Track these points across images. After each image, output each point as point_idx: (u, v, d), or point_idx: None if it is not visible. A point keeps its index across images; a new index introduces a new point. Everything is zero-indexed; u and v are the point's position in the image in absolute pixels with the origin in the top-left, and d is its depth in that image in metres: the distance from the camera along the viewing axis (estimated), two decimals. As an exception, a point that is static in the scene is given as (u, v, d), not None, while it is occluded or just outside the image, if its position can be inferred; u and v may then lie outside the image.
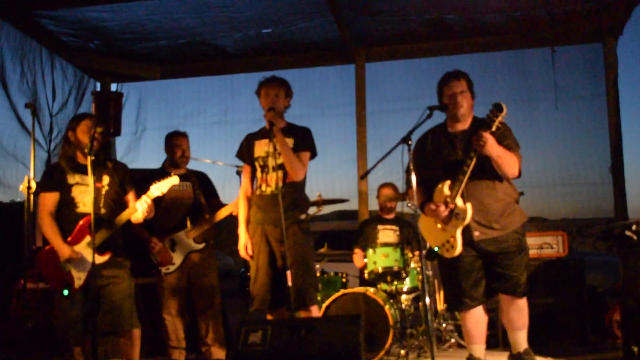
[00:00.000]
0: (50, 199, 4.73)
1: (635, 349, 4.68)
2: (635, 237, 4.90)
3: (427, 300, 4.83)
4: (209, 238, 5.70)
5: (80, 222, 4.66)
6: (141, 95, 8.98)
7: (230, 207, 5.47)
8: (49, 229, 4.69)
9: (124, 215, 4.77)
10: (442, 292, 6.39)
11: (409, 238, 6.74)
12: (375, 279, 6.11)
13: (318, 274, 6.24)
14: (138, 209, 4.73)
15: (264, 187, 4.83)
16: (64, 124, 7.86)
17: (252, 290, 4.84)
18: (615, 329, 6.08)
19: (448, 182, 4.50)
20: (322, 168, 8.14)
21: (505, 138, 4.49)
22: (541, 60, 7.87)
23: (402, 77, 8.40)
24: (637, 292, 4.70)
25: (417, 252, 6.23)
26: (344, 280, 6.58)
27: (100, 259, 4.59)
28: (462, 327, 4.87)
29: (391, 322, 5.59)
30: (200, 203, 5.72)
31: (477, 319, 4.65)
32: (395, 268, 5.97)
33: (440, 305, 6.51)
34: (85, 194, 4.69)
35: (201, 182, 5.80)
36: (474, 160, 4.35)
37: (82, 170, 4.71)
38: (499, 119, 4.28)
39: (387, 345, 5.57)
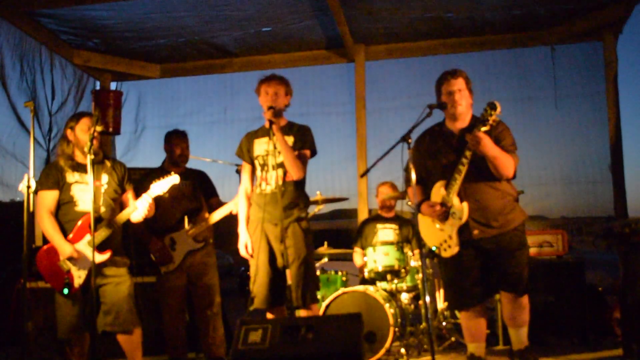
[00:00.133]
0: (49, 198, 4.72)
1: (635, 347, 4.68)
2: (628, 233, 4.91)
3: (427, 298, 4.82)
4: (209, 237, 5.70)
5: (80, 221, 4.66)
6: (140, 94, 9.01)
7: (230, 205, 5.47)
8: (48, 227, 4.69)
9: (124, 214, 4.77)
10: (442, 291, 6.40)
11: (409, 236, 6.74)
12: (376, 278, 6.11)
13: (318, 273, 6.24)
14: (138, 207, 4.74)
15: (263, 186, 4.82)
16: (63, 123, 7.80)
17: (252, 289, 4.84)
18: (615, 327, 6.08)
19: (444, 182, 4.50)
20: (322, 166, 8.15)
21: (503, 139, 4.49)
22: (541, 58, 7.88)
23: (402, 75, 8.42)
24: (637, 290, 4.70)
25: (417, 251, 6.23)
26: (344, 279, 6.58)
27: (100, 258, 4.59)
28: (462, 326, 4.87)
29: (391, 320, 5.59)
30: (199, 202, 5.72)
31: (477, 317, 4.65)
32: (396, 267, 5.97)
33: (441, 304, 6.51)
34: (84, 193, 4.68)
35: (201, 181, 5.80)
36: (470, 159, 4.35)
37: (81, 169, 4.71)
38: (493, 117, 4.28)
39: (388, 344, 5.57)
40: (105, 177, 4.83)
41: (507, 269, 4.47)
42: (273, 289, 4.72)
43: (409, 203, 6.04)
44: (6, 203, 6.99)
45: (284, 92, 4.89)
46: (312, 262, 4.95)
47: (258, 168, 4.89)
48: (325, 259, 6.72)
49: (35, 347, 5.58)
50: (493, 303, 6.06)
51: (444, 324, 6.23)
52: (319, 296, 5.55)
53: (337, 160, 8.48)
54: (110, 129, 7.98)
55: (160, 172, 5.55)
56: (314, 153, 4.93)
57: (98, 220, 4.66)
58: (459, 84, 4.58)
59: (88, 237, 4.61)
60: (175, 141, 5.70)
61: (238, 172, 5.78)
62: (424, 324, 5.92)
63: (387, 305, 5.67)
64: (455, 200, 4.46)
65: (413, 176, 4.37)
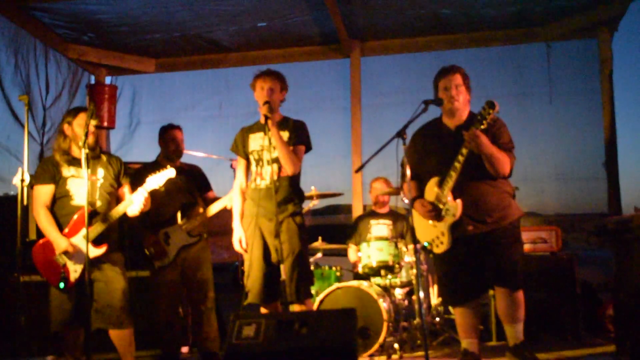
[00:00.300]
0: (45, 192, 4.72)
1: (628, 343, 4.69)
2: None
3: (421, 294, 4.83)
4: (203, 231, 5.70)
5: (76, 215, 4.65)
6: (135, 89, 8.98)
7: (224, 200, 5.47)
8: (44, 221, 4.68)
9: (120, 208, 4.77)
10: (435, 286, 6.41)
11: (403, 232, 6.75)
12: (369, 273, 6.11)
13: (312, 268, 6.23)
14: (134, 201, 4.73)
15: (258, 181, 4.82)
16: (58, 117, 7.85)
17: (246, 284, 4.84)
18: (607, 324, 6.10)
19: (439, 178, 4.51)
20: (317, 162, 8.14)
21: (500, 136, 4.49)
22: (536, 55, 7.89)
23: (397, 71, 8.41)
24: (630, 287, 4.70)
25: (411, 246, 6.23)
26: (338, 274, 6.59)
27: (96, 252, 4.60)
28: (456, 321, 4.88)
29: (385, 316, 5.60)
30: (194, 196, 5.71)
31: (471, 313, 4.66)
32: (390, 262, 5.97)
33: (434, 300, 6.51)
34: (80, 187, 4.67)
35: (195, 176, 5.79)
36: (465, 157, 4.35)
37: (77, 163, 4.71)
38: (491, 115, 4.28)
39: (381, 339, 5.57)
40: (101, 172, 4.83)
41: (500, 264, 4.47)
42: (267, 283, 4.73)
43: (403, 199, 6.05)
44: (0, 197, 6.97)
45: (279, 87, 4.89)
46: (306, 257, 4.95)
47: (253, 163, 4.89)
48: (320, 254, 6.72)
49: (28, 340, 5.57)
50: (486, 299, 6.07)
51: (437, 319, 6.23)
52: (313, 291, 5.56)
53: (332, 156, 8.50)
54: (105, 124, 7.97)
55: (154, 167, 5.54)
56: (309, 148, 4.94)
57: (94, 214, 4.66)
58: (456, 79, 4.59)
59: (84, 231, 4.60)
60: (170, 136, 5.69)
61: (232, 167, 5.78)
62: (417, 320, 5.92)
63: (380, 301, 5.68)
64: (449, 197, 4.47)
65: (407, 172, 4.37)
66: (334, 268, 6.54)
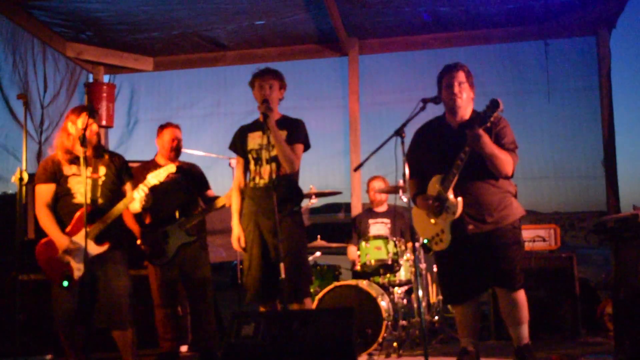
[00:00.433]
0: (46, 191, 4.73)
1: (627, 342, 4.69)
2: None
3: (420, 292, 4.83)
4: (202, 230, 5.69)
5: (78, 213, 4.65)
6: (134, 87, 8.95)
7: (223, 199, 5.47)
8: (46, 220, 4.69)
9: (121, 205, 4.76)
10: (434, 285, 6.41)
11: (403, 229, 6.75)
12: (368, 272, 6.11)
13: (311, 266, 6.24)
14: (135, 197, 4.73)
15: (257, 180, 4.82)
16: (55, 116, 7.84)
17: (245, 283, 4.84)
18: (606, 322, 6.10)
19: (441, 176, 4.50)
20: (315, 160, 8.13)
21: (503, 136, 4.48)
22: (534, 53, 7.88)
23: (396, 69, 8.40)
24: (629, 285, 4.71)
25: (409, 244, 6.22)
26: (337, 272, 6.59)
27: (98, 250, 4.61)
28: (455, 320, 4.88)
29: (384, 314, 5.60)
30: (192, 195, 5.71)
31: (470, 312, 4.65)
32: (389, 261, 5.97)
33: (433, 298, 6.52)
34: (82, 185, 4.67)
35: (193, 174, 5.79)
36: (468, 155, 4.35)
37: (79, 162, 4.70)
38: (495, 114, 4.27)
39: (380, 337, 5.58)
40: (103, 170, 4.83)
41: (499, 265, 4.46)
42: (266, 282, 4.72)
43: (402, 197, 6.04)
44: (-1, 196, 6.97)
45: (278, 85, 4.89)
46: (305, 255, 4.95)
47: (251, 162, 4.88)
48: (319, 253, 6.72)
49: (28, 339, 5.57)
50: (485, 297, 6.07)
51: (436, 318, 6.24)
52: (311, 290, 5.56)
53: (330, 154, 8.47)
54: (103, 122, 7.95)
55: (152, 166, 5.55)
56: (307, 147, 4.93)
57: (96, 212, 4.66)
58: (459, 77, 4.57)
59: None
60: (168, 134, 5.69)
61: (231, 165, 5.78)
62: (416, 318, 5.92)
63: (379, 299, 5.68)
64: (450, 195, 4.46)
65: (406, 170, 4.37)
66: (333, 266, 6.54)
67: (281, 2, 7.16)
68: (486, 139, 4.29)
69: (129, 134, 8.87)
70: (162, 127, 5.74)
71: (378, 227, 6.82)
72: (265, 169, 4.78)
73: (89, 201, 4.61)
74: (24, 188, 4.61)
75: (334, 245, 6.81)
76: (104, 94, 7.95)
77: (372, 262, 6.00)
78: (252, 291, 4.77)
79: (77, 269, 4.61)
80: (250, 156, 4.88)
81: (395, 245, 6.02)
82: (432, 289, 6.57)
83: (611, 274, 5.13)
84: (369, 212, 7.05)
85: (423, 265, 6.30)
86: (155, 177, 4.86)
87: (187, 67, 8.75)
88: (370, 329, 5.61)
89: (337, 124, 8.37)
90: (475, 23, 7.70)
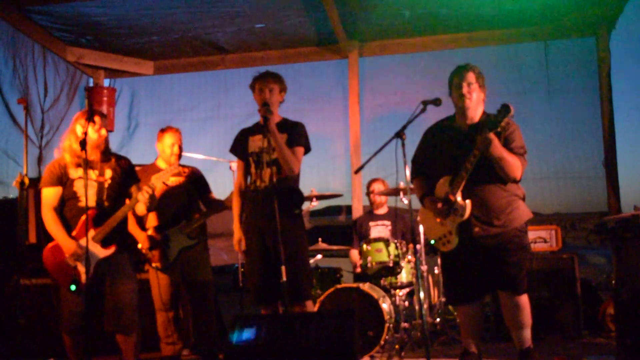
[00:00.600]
0: (52, 194, 4.72)
1: (629, 342, 4.69)
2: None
3: (422, 294, 4.82)
4: (203, 233, 5.70)
5: (84, 217, 4.63)
6: (134, 91, 8.97)
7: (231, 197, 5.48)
8: (52, 224, 4.68)
9: (127, 207, 4.75)
10: (436, 287, 6.41)
11: (403, 231, 6.75)
12: (370, 274, 6.10)
13: (312, 269, 6.24)
14: (140, 200, 4.72)
15: (258, 183, 4.81)
16: (56, 120, 7.85)
17: (247, 285, 4.84)
18: (608, 322, 6.10)
19: (450, 177, 4.50)
20: (316, 163, 8.14)
21: (512, 140, 4.47)
22: (534, 54, 7.89)
23: (396, 71, 8.40)
24: (631, 285, 4.70)
25: (410, 246, 6.21)
26: (338, 275, 6.59)
27: (104, 253, 4.61)
28: (458, 321, 4.87)
29: (385, 317, 5.60)
30: (193, 198, 5.72)
31: (474, 313, 4.64)
32: (390, 263, 5.97)
33: (435, 300, 6.52)
34: (88, 188, 4.66)
35: (194, 178, 5.79)
36: (477, 158, 4.34)
37: (86, 165, 4.69)
38: (506, 119, 4.27)
39: (382, 340, 5.58)
40: (109, 173, 4.82)
41: (504, 268, 4.45)
42: (267, 285, 4.71)
43: (403, 199, 6.04)
44: (-1, 200, 6.99)
45: (278, 88, 4.88)
46: (306, 258, 4.95)
47: (252, 165, 4.88)
48: (320, 256, 6.72)
49: (29, 343, 5.57)
50: (487, 299, 6.07)
51: (438, 320, 6.24)
52: (313, 292, 5.56)
53: (331, 157, 8.48)
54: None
55: (153, 169, 5.55)
56: (308, 150, 4.93)
57: (102, 215, 4.65)
58: (468, 77, 4.56)
59: (92, 232, 4.61)
60: (169, 138, 5.69)
61: (231, 168, 5.79)
62: (418, 320, 5.92)
63: (381, 301, 5.68)
64: (458, 197, 4.46)
65: (407, 172, 4.37)
66: (334, 269, 6.53)
67: (281, 5, 7.17)
68: (496, 143, 4.29)
69: (130, 137, 8.88)
70: (162, 131, 5.75)
71: (379, 229, 6.83)
72: (266, 172, 4.78)
73: (93, 204, 4.62)
74: (25, 192, 4.61)
75: (335, 247, 6.81)
76: (105, 98, 7.97)
77: (374, 264, 6.00)
78: (254, 294, 4.77)
79: (85, 272, 4.60)
80: (251, 159, 4.88)
81: (397, 248, 6.02)
82: (434, 291, 6.57)
83: (612, 275, 5.12)
84: (370, 214, 7.06)
85: (424, 267, 6.29)
86: (159, 179, 4.87)
87: (187, 70, 8.76)
88: (372, 331, 5.61)
89: (338, 127, 8.37)
90: (475, 25, 7.71)
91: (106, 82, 8.68)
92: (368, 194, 7.07)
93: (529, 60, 7.94)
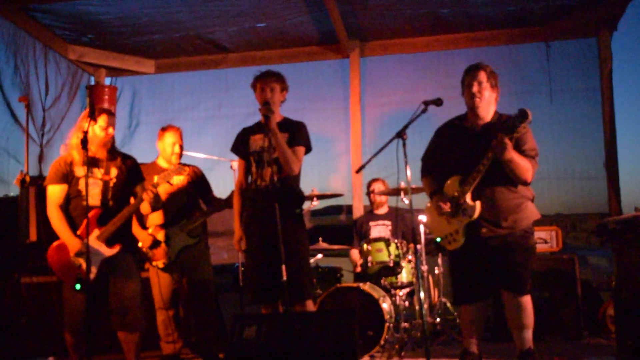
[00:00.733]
0: (57, 192, 4.69)
1: (630, 343, 4.69)
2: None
3: (422, 294, 4.82)
4: (203, 232, 5.70)
5: (89, 215, 4.62)
6: (135, 89, 8.97)
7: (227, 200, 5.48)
8: (58, 222, 4.65)
9: (132, 207, 4.74)
10: (436, 287, 6.41)
11: (404, 231, 6.75)
12: (370, 274, 6.10)
13: (313, 269, 6.24)
14: (145, 199, 4.72)
15: (259, 182, 4.80)
16: (57, 118, 7.85)
17: (247, 285, 4.83)
18: (608, 323, 6.09)
19: (459, 177, 4.50)
20: (317, 162, 8.14)
21: (524, 142, 4.46)
22: (536, 54, 7.89)
23: (397, 71, 8.41)
24: (631, 286, 4.70)
25: (411, 246, 6.21)
26: (338, 275, 6.59)
27: (109, 252, 4.60)
28: (460, 320, 4.87)
29: (385, 316, 5.59)
30: (194, 197, 5.72)
31: (476, 313, 4.64)
32: (390, 263, 5.97)
33: (435, 300, 6.51)
34: (93, 187, 4.65)
35: (195, 177, 5.79)
36: (491, 161, 4.33)
37: (93, 163, 4.69)
38: (523, 125, 4.26)
39: (382, 340, 5.57)
40: (114, 172, 4.80)
41: (508, 268, 4.45)
42: (268, 284, 4.71)
43: (403, 199, 6.04)
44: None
45: (279, 88, 4.88)
46: (307, 257, 4.95)
47: (253, 164, 4.87)
48: (320, 255, 6.72)
49: (30, 341, 5.57)
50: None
51: (438, 320, 6.24)
52: (313, 292, 5.56)
53: (332, 157, 8.49)
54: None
55: (153, 168, 5.56)
56: (309, 149, 4.92)
57: (107, 214, 4.65)
58: (479, 77, 4.55)
59: (97, 232, 4.60)
60: (169, 137, 5.68)
61: (232, 167, 5.79)
62: (418, 320, 5.92)
63: (381, 301, 5.68)
64: (468, 197, 4.46)
65: (408, 172, 4.37)
66: (334, 269, 6.53)
67: (282, 4, 7.17)
68: (510, 147, 4.28)
69: (131, 136, 8.89)
70: (163, 130, 5.74)
71: (379, 229, 6.83)
72: (267, 171, 4.77)
73: (98, 203, 4.63)
74: (25, 190, 4.59)
75: (335, 247, 6.81)
76: (106, 97, 7.96)
77: (374, 264, 6.00)
78: (254, 293, 4.77)
79: (90, 271, 4.60)
80: (252, 158, 4.86)
81: (397, 247, 6.03)
82: (434, 291, 6.57)
83: (613, 276, 5.12)
84: (370, 214, 7.06)
85: (425, 267, 6.29)
86: (163, 179, 4.86)
87: (188, 69, 8.77)
88: (372, 331, 5.61)
89: (339, 126, 8.37)
90: (477, 25, 7.71)
91: (107, 81, 8.69)
92: (368, 193, 7.08)
93: (530, 60, 7.94)
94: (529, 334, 4.51)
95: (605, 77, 7.43)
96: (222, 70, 8.66)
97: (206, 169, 6.00)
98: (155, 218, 5.54)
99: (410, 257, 6.14)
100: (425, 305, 6.19)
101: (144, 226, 5.53)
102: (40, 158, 7.45)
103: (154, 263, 5.49)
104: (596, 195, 7.53)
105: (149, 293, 5.55)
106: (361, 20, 7.61)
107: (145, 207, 4.83)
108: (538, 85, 7.85)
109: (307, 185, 5.64)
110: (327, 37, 8.01)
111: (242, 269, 6.04)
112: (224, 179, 7.41)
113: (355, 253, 6.70)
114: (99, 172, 4.70)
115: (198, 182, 5.77)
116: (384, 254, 6.00)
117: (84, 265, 4.57)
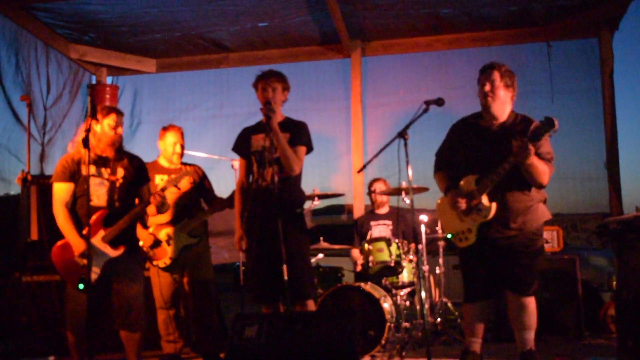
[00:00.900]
0: (64, 190, 4.66)
1: (631, 343, 4.69)
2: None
3: (423, 294, 4.82)
4: (204, 232, 5.70)
5: (94, 217, 4.61)
6: (136, 89, 8.98)
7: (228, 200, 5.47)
8: (63, 220, 4.62)
9: (139, 209, 4.74)
10: (437, 287, 6.41)
11: (405, 231, 6.75)
12: (371, 274, 6.10)
13: (314, 268, 6.24)
14: (152, 202, 4.71)
15: (260, 181, 4.80)
16: (58, 117, 7.86)
17: (248, 284, 4.83)
18: (609, 324, 6.10)
19: (476, 176, 4.49)
20: (318, 162, 8.14)
21: (541, 145, 4.44)
22: (537, 54, 7.89)
23: (398, 71, 8.41)
24: (632, 287, 4.70)
25: (412, 246, 6.21)
26: (339, 274, 6.58)
27: (113, 253, 4.60)
28: (463, 319, 4.86)
29: (386, 316, 5.59)
30: (195, 197, 5.71)
31: (480, 312, 4.64)
32: (391, 263, 5.97)
33: (436, 300, 6.51)
34: (99, 187, 4.64)
35: (196, 176, 5.79)
36: (511, 165, 4.33)
37: (99, 162, 4.68)
38: (549, 134, 4.26)
39: (382, 339, 5.57)
40: (121, 172, 4.77)
41: (513, 269, 4.45)
42: (269, 284, 4.70)
43: (405, 199, 6.04)
44: (1, 197, 6.98)
45: (281, 87, 4.87)
46: (308, 257, 4.95)
47: (254, 163, 4.87)
48: (321, 255, 6.72)
49: (30, 340, 5.58)
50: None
51: (439, 319, 6.24)
52: (314, 292, 5.55)
53: (333, 156, 8.49)
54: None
55: (154, 167, 5.55)
56: (310, 149, 4.92)
57: (113, 215, 4.64)
58: (492, 76, 4.54)
59: (102, 232, 4.59)
60: (171, 136, 5.68)
61: (233, 167, 5.78)
62: (419, 320, 5.92)
63: (382, 301, 5.68)
64: (484, 198, 4.46)
65: (410, 172, 4.37)
66: (335, 268, 6.53)
67: (284, 4, 7.17)
68: (532, 152, 4.27)
69: (132, 135, 8.89)
70: (164, 129, 5.73)
71: (380, 228, 6.83)
72: (268, 171, 4.76)
73: (104, 203, 4.62)
74: (27, 189, 4.59)
75: (336, 247, 6.80)
76: (107, 96, 7.96)
77: (375, 263, 6.00)
78: (255, 293, 4.77)
79: (93, 272, 4.59)
80: (253, 158, 4.86)
81: (398, 247, 6.02)
82: (435, 291, 6.56)
83: (614, 276, 5.11)
84: (371, 214, 7.06)
85: (426, 267, 6.29)
86: (171, 183, 4.86)
87: (189, 69, 8.78)
88: (373, 331, 5.61)
89: (340, 126, 8.37)
90: (478, 25, 7.71)
91: (109, 80, 8.70)
92: (369, 193, 7.08)
93: (531, 60, 7.94)
94: (531, 335, 4.50)
95: (607, 77, 7.43)
96: (223, 70, 8.66)
97: (207, 169, 6.00)
98: (156, 217, 5.54)
99: (411, 256, 6.14)
100: (426, 305, 6.19)
101: (145, 225, 5.53)
102: (42, 157, 7.46)
103: (154, 262, 5.49)
104: (597, 196, 7.53)
105: (149, 292, 5.55)
106: (362, 20, 7.61)
107: (151, 209, 4.82)
108: (539, 85, 7.85)
109: (308, 185, 5.65)
110: (328, 37, 8.02)
111: (243, 268, 6.04)
112: (225, 179, 7.41)
113: (355, 251, 6.70)
114: (105, 172, 4.68)
115: (199, 182, 5.77)
116: (385, 254, 6.00)
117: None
